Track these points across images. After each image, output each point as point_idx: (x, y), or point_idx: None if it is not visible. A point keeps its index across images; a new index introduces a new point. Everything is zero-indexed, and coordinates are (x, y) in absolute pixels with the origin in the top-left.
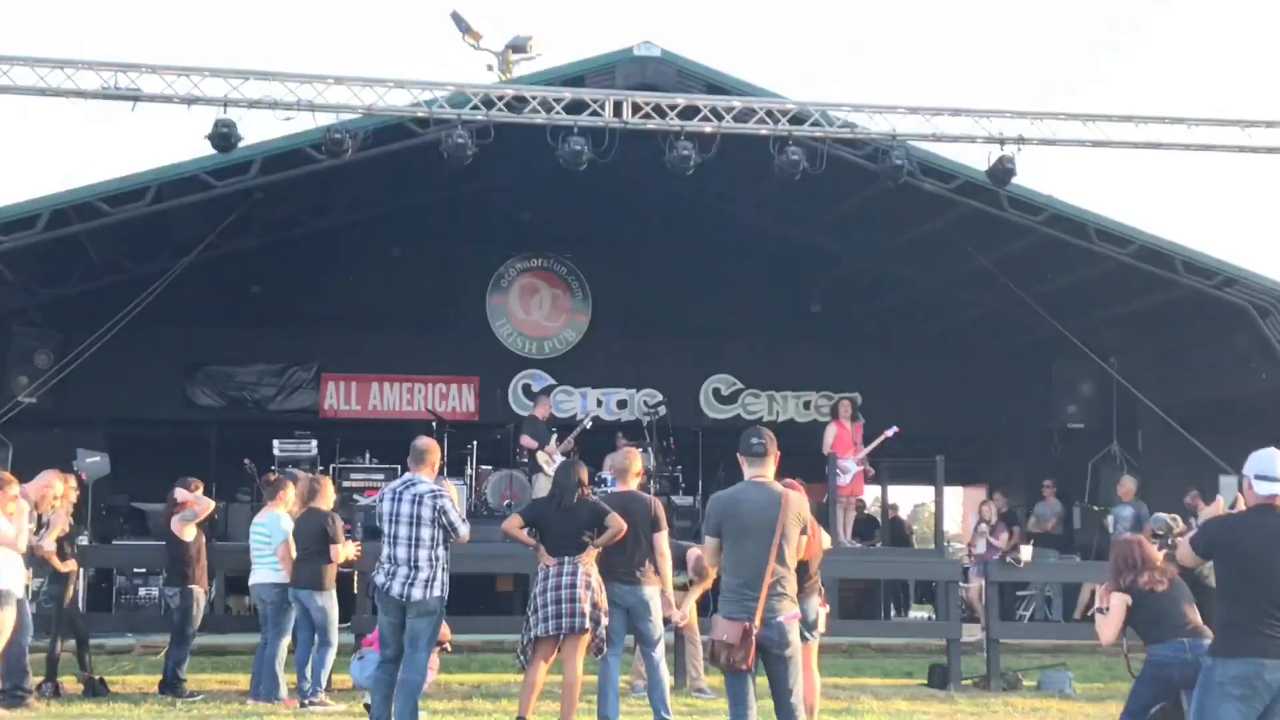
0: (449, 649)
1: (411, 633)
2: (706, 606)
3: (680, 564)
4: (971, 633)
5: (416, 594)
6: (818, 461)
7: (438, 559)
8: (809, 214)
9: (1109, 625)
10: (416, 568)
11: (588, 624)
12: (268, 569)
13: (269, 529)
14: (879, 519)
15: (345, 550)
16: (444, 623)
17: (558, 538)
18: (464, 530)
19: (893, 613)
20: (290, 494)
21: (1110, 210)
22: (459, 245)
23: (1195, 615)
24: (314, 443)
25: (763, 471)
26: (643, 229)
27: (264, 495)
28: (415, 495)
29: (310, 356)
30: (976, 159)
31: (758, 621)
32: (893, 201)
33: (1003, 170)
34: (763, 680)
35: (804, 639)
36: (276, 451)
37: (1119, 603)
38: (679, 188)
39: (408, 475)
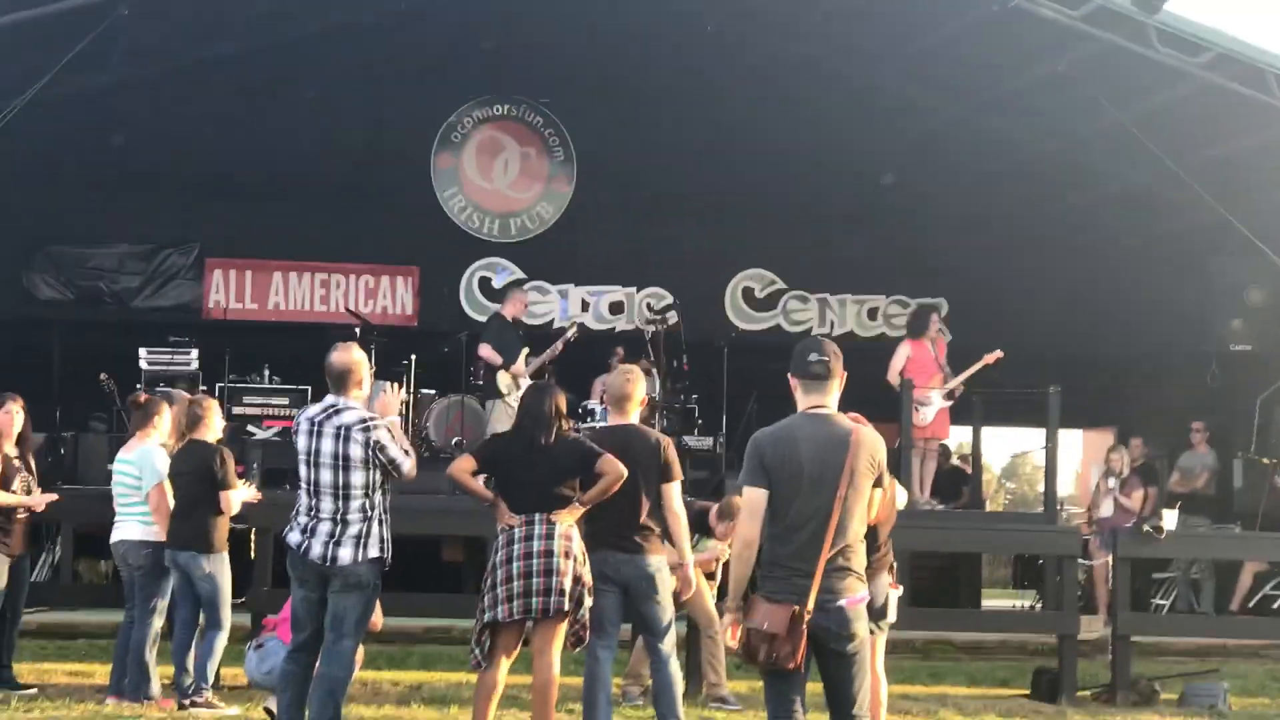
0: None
1: (335, 611)
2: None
3: (698, 528)
4: (1093, 628)
5: (345, 556)
6: (886, 392)
7: (372, 510)
8: (882, 49)
9: None
10: (344, 522)
11: (567, 605)
12: (135, 523)
13: (138, 468)
14: (967, 471)
15: (239, 497)
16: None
17: (526, 488)
18: (408, 465)
19: (983, 600)
20: (165, 421)
21: None
22: (396, 85)
23: None
24: (194, 353)
25: (824, 400)
26: (649, 66)
27: (129, 422)
28: (340, 427)
29: (190, 235)
30: None
31: (811, 605)
32: (998, 34)
33: None
34: (814, 686)
35: (870, 632)
36: (144, 364)
37: None
38: (698, 7)
39: (330, 400)
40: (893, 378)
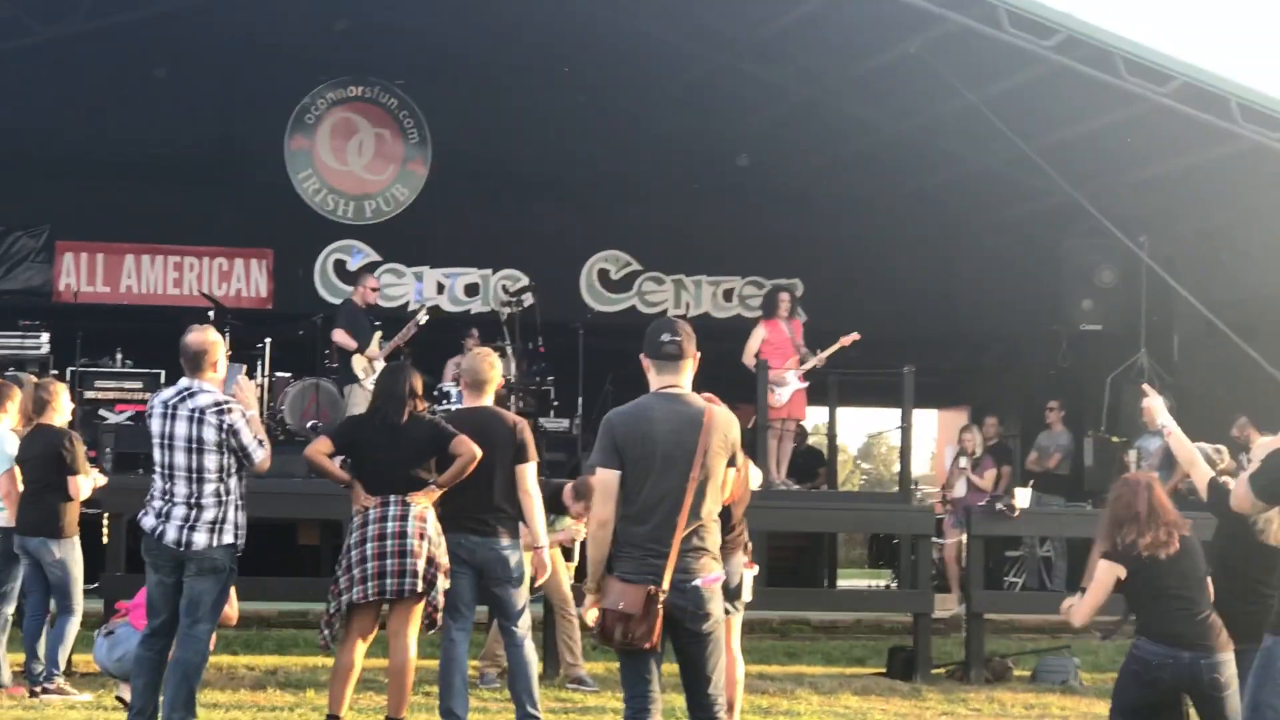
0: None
1: (191, 596)
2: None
3: (554, 507)
4: (946, 606)
5: (200, 541)
6: (742, 373)
7: (227, 494)
8: (736, 31)
9: (1085, 602)
10: (200, 506)
11: (421, 587)
12: None
13: None
14: (824, 452)
15: (88, 482)
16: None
17: (382, 470)
18: (260, 455)
19: (839, 580)
20: (14, 406)
21: (1146, 38)
22: (248, 64)
23: (1206, 602)
24: (45, 336)
25: (677, 380)
26: (505, 47)
27: None
28: (194, 410)
29: (40, 217)
30: None
31: (666, 585)
32: (851, 14)
33: None
34: (669, 666)
35: (725, 611)
36: None
37: (1106, 573)
38: None
39: (184, 382)
40: (748, 359)
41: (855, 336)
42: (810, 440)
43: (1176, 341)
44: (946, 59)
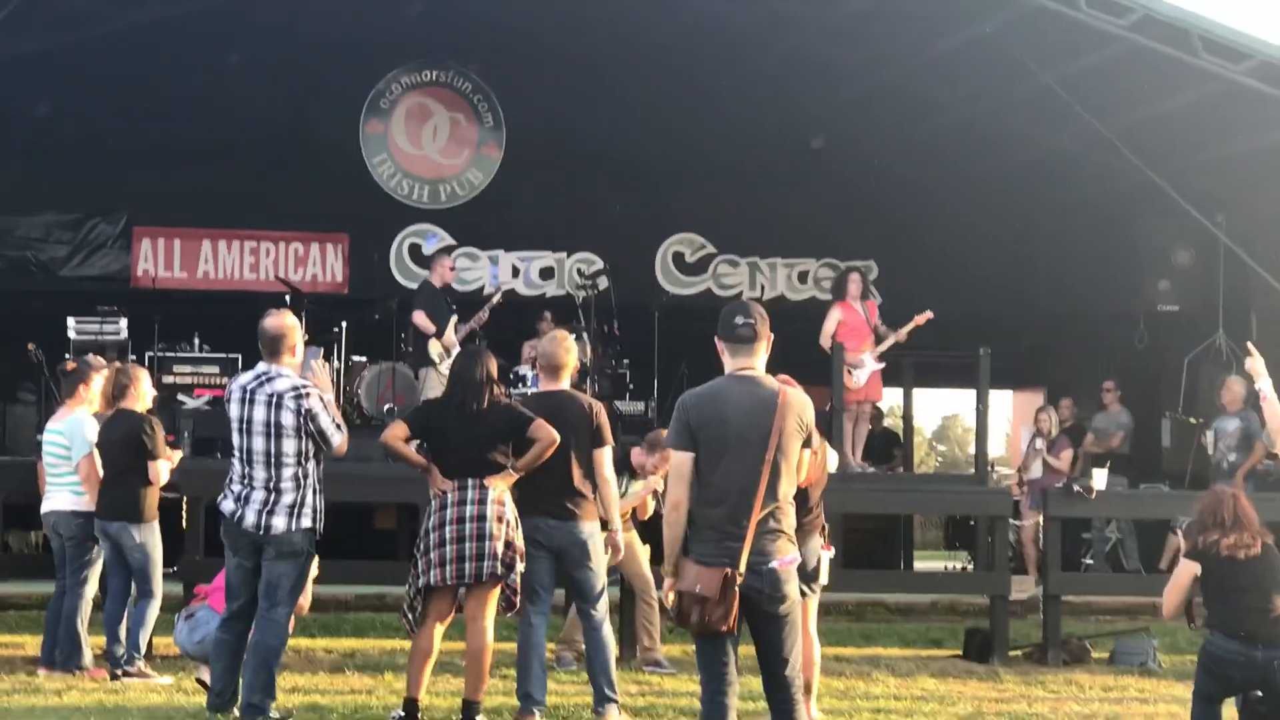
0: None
1: (270, 579)
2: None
3: (621, 469)
4: (1023, 588)
5: (279, 525)
6: (817, 355)
7: (305, 479)
8: (811, 13)
9: (1171, 595)
10: (278, 491)
11: (499, 570)
12: (67, 493)
13: (68, 437)
14: (900, 434)
15: (168, 467)
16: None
17: (459, 454)
18: (338, 439)
19: (915, 561)
20: (95, 390)
21: (1223, 16)
22: (322, 51)
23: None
24: (123, 321)
25: (751, 362)
26: (578, 30)
27: (58, 392)
28: (273, 395)
29: (118, 203)
30: None
31: (742, 567)
32: None
33: None
34: (746, 649)
35: (801, 594)
36: (73, 333)
37: (1185, 571)
38: None
39: (262, 367)
40: (825, 341)
41: (929, 315)
42: (886, 422)
43: (1255, 321)
44: (1021, 39)
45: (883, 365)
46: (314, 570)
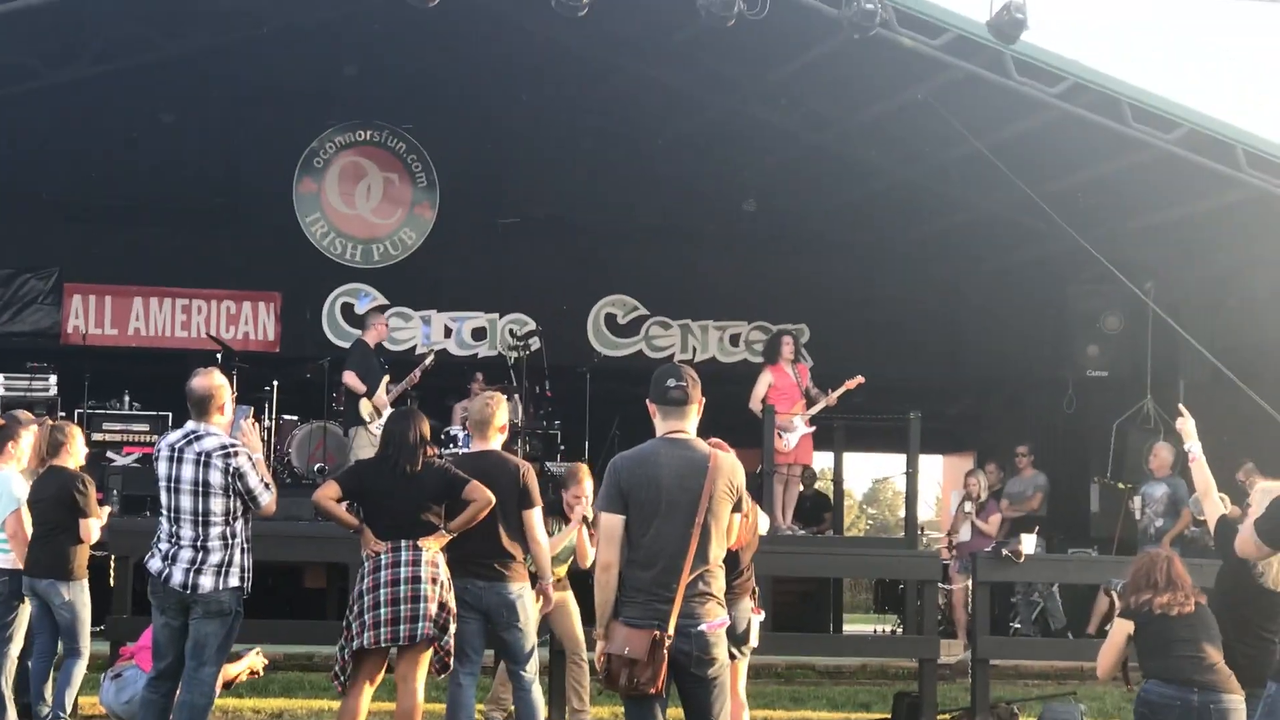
0: (259, 673)
1: (197, 638)
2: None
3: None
4: (952, 652)
5: (206, 584)
6: (748, 418)
7: (234, 538)
8: (745, 77)
9: (1107, 655)
10: (205, 550)
11: (433, 631)
12: None
13: None
14: (830, 497)
15: (99, 525)
16: (253, 650)
17: (392, 515)
18: (266, 499)
19: (844, 625)
20: (24, 446)
21: (1153, 85)
22: (256, 108)
23: (1217, 655)
24: (53, 378)
25: (683, 425)
26: (512, 91)
27: None
28: (200, 454)
29: (49, 260)
30: (974, 6)
31: (671, 630)
32: (859, 61)
33: (1010, 22)
34: (675, 711)
35: (730, 656)
36: (1, 389)
37: (1120, 630)
38: (564, 35)
39: (190, 425)
40: (755, 404)
41: (860, 380)
42: (818, 485)
43: (1182, 387)
44: (953, 105)
45: (813, 429)
46: (262, 660)
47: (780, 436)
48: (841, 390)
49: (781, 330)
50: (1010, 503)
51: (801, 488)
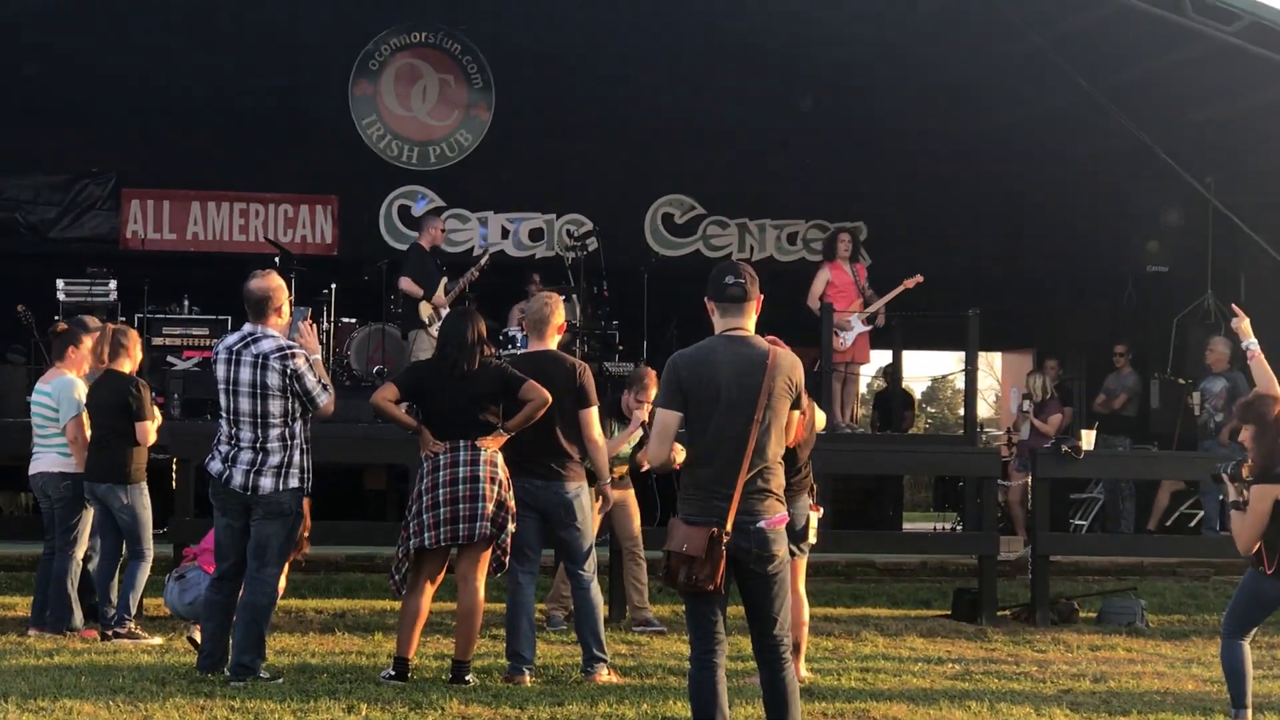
0: (303, 560)
1: (258, 539)
2: (653, 512)
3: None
4: (1011, 548)
5: (266, 485)
6: (806, 316)
7: (293, 439)
8: None
9: (1249, 527)
10: (265, 451)
11: (491, 530)
12: (54, 454)
13: (56, 399)
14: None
15: (154, 427)
16: (304, 525)
17: (450, 415)
18: (324, 400)
19: (904, 522)
20: (85, 351)
21: None
22: (311, 12)
23: None
24: (113, 283)
25: (741, 323)
26: None
27: (48, 353)
28: (258, 356)
29: (107, 164)
30: None
31: (729, 527)
32: None
33: None
34: (736, 608)
35: (790, 554)
36: (61, 295)
37: (1263, 498)
38: None
39: (248, 328)
40: (813, 302)
41: (918, 279)
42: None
43: (1243, 282)
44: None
45: (870, 327)
46: (306, 521)
47: (837, 335)
48: (899, 290)
49: (839, 228)
50: (1105, 398)
51: (886, 384)
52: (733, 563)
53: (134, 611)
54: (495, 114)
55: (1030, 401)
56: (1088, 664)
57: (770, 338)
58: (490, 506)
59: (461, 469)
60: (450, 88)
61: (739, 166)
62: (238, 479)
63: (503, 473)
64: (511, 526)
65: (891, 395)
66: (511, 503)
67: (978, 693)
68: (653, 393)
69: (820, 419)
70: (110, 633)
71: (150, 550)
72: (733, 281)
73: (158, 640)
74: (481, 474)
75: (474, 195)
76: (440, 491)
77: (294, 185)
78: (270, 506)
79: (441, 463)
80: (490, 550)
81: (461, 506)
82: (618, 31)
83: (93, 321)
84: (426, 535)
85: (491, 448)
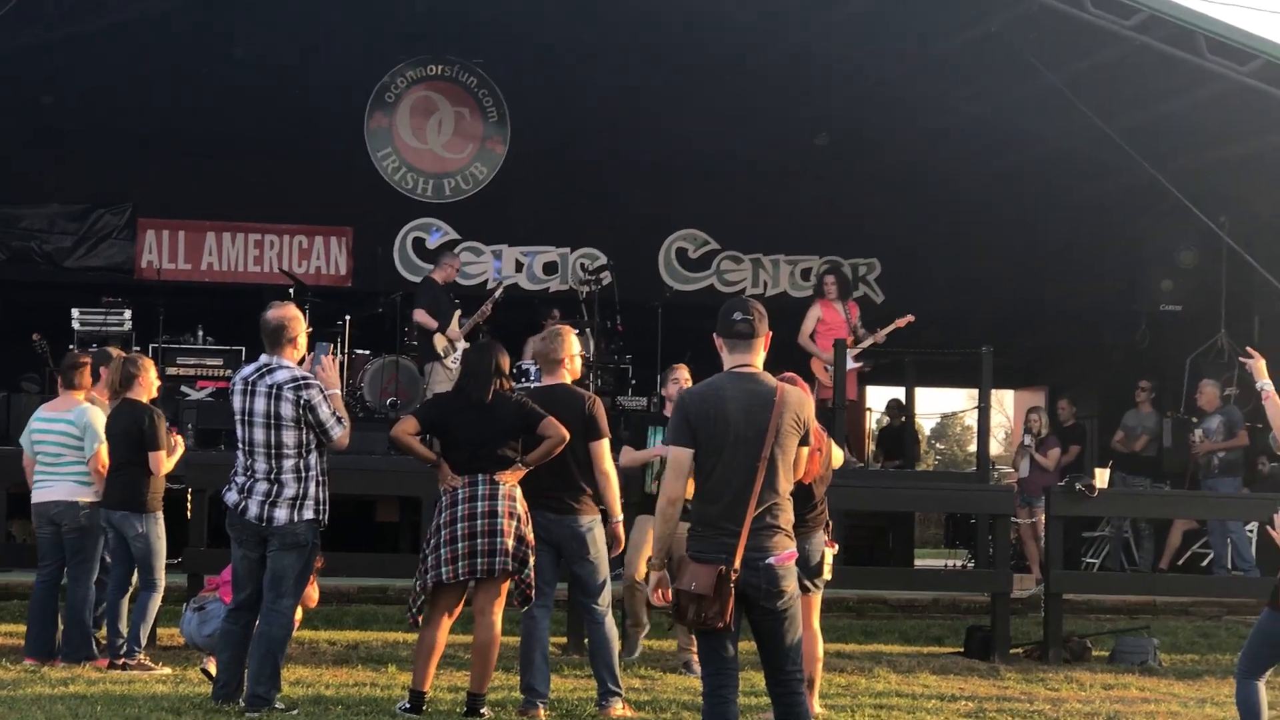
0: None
1: (274, 570)
2: None
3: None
4: (1024, 585)
5: (281, 516)
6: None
7: (308, 470)
8: (813, 11)
9: None
10: (280, 483)
11: (511, 565)
12: (70, 483)
13: (80, 427)
14: (918, 430)
15: (171, 458)
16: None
17: (469, 449)
18: (338, 432)
19: (915, 559)
20: (103, 382)
21: (1228, 17)
22: (328, 44)
23: None
24: (128, 313)
25: (749, 359)
26: (582, 26)
27: (62, 381)
28: (273, 386)
29: (123, 195)
30: None
31: (738, 564)
32: None
33: None
34: (750, 644)
35: (804, 590)
36: (77, 324)
37: None
38: None
39: (264, 359)
40: (803, 339)
41: (910, 318)
42: (882, 419)
43: (1257, 322)
44: (1027, 38)
45: (860, 365)
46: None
47: (826, 370)
48: (890, 328)
49: (831, 266)
50: (1124, 436)
51: (888, 419)
52: (743, 599)
53: (144, 642)
54: (510, 147)
55: (1031, 437)
56: (1101, 702)
57: (788, 374)
58: (510, 541)
59: (480, 503)
60: (466, 120)
61: (753, 202)
62: (253, 510)
63: (521, 507)
64: (533, 559)
65: (903, 431)
66: (530, 536)
67: None
68: (683, 374)
69: (838, 456)
70: (120, 663)
71: (162, 580)
72: (740, 318)
73: (168, 670)
74: (500, 508)
75: (488, 228)
76: (459, 526)
77: (309, 217)
78: (286, 538)
79: (460, 497)
80: (513, 583)
81: (480, 541)
82: (633, 67)
83: (115, 352)
84: (445, 569)
85: (510, 481)
